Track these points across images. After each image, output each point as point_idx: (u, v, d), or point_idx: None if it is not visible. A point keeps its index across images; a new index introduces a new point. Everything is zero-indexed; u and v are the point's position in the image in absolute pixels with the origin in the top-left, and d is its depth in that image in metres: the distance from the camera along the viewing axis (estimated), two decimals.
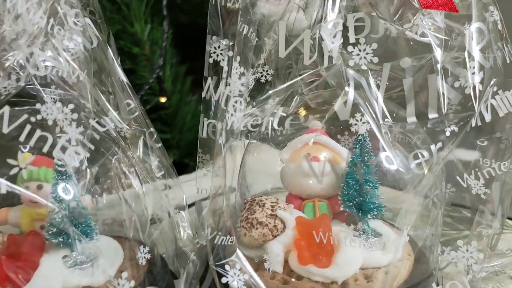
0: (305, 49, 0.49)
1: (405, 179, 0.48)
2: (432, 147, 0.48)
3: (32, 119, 0.45)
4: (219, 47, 0.54)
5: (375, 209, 0.58)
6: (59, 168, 0.52)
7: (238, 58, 0.50)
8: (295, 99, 0.54)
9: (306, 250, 0.56)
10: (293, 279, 0.55)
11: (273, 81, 0.54)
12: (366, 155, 0.57)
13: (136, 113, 0.54)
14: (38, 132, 0.45)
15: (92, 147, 0.48)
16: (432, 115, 0.48)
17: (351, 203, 0.58)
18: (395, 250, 0.58)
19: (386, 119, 0.49)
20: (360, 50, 0.49)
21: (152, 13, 1.28)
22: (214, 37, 0.54)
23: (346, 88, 0.49)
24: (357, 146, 0.58)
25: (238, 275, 0.51)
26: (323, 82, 0.52)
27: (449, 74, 0.49)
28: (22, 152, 0.49)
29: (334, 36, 0.48)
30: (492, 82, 0.51)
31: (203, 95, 0.57)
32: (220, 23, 0.53)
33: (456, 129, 0.48)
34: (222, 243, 0.52)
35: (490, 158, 0.55)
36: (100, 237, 0.55)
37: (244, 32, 0.50)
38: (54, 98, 0.47)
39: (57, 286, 0.52)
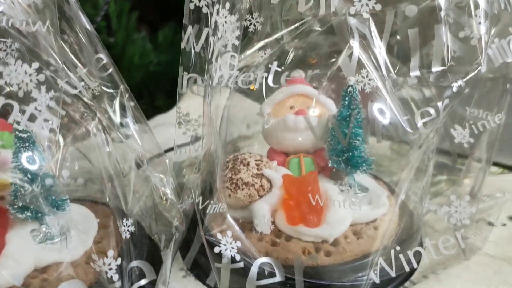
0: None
1: (411, 139, 0.45)
2: (439, 104, 0.45)
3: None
4: None
5: (364, 164, 0.55)
6: (21, 135, 0.45)
7: (227, 5, 0.44)
8: (290, 51, 0.49)
9: (296, 210, 0.54)
10: (282, 240, 0.53)
11: (263, 30, 0.48)
12: (355, 107, 0.54)
13: (110, 70, 0.47)
14: (1, 100, 0.38)
15: (63, 113, 0.41)
16: (436, 68, 0.46)
17: (339, 158, 0.56)
18: (382, 204, 0.56)
19: (390, 74, 0.46)
20: None
21: None
22: None
23: (351, 41, 0.44)
24: (346, 98, 0.54)
25: (231, 243, 0.48)
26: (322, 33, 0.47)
27: (453, 23, 0.45)
28: None
29: None
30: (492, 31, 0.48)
31: (182, 46, 0.50)
32: None
33: (463, 84, 0.45)
34: (215, 212, 0.48)
35: (477, 108, 0.53)
36: (74, 207, 0.50)
37: None
38: (11, 54, 0.39)
39: (28, 265, 0.46)
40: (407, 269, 0.51)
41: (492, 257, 0.57)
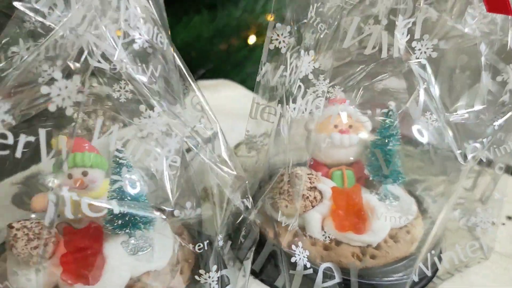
0: (370, 41, 0.51)
1: (461, 169, 0.54)
2: (485, 140, 0.54)
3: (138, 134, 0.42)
4: (282, 34, 0.53)
5: (399, 177, 0.64)
6: (120, 160, 0.51)
7: (302, 49, 0.50)
8: (360, 90, 0.56)
9: (345, 219, 0.62)
10: (333, 245, 0.61)
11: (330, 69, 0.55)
12: (394, 128, 0.62)
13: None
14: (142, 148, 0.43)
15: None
16: (478, 107, 0.54)
17: (377, 170, 0.64)
18: (411, 211, 0.66)
19: (446, 114, 0.54)
20: (422, 46, 0.52)
21: None
22: (278, 23, 0.52)
23: (418, 88, 0.52)
24: (387, 120, 0.63)
25: (302, 253, 0.56)
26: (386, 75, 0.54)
27: (492, 68, 0.54)
28: None
29: (403, 34, 0.50)
30: None
31: (258, 79, 0.56)
32: (286, 9, 0.52)
33: (502, 123, 0.54)
34: (290, 227, 0.56)
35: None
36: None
37: (313, 21, 0.50)
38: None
39: (127, 276, 0.52)
40: (440, 268, 0.60)
41: (500, 254, 0.67)
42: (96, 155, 0.54)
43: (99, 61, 0.43)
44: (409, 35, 0.51)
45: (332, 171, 0.66)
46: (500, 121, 0.53)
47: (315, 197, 0.62)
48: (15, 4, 0.42)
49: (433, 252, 0.60)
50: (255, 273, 0.60)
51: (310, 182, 0.63)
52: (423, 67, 0.52)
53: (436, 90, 0.53)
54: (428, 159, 0.58)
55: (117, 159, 0.51)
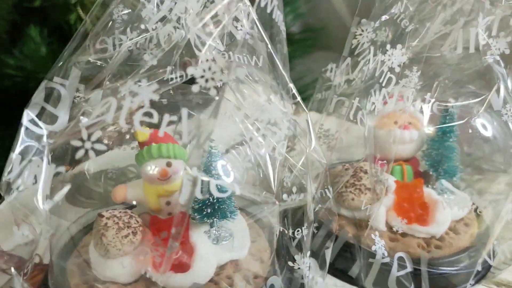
0: (449, 38, 0.53)
1: None
2: None
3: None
4: (366, 29, 0.55)
5: (457, 172, 0.67)
6: (213, 150, 0.51)
7: (398, 46, 0.52)
8: (436, 85, 0.58)
9: (411, 211, 0.64)
10: (398, 236, 0.63)
11: (410, 65, 0.57)
12: (454, 125, 0.65)
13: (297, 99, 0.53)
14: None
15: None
16: None
17: (437, 167, 0.67)
18: (466, 205, 0.68)
19: None
20: (497, 42, 0.54)
21: None
22: (364, 20, 0.54)
23: (499, 83, 0.55)
24: (447, 117, 0.65)
25: (380, 242, 0.57)
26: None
27: None
28: None
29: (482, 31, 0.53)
30: None
31: (336, 73, 0.58)
32: (371, 6, 0.54)
33: None
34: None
35: None
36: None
37: (396, 18, 0.52)
38: None
39: (214, 264, 0.53)
40: (502, 259, 0.63)
41: None
42: (179, 146, 0.55)
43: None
44: (487, 31, 0.53)
45: (392, 166, 0.68)
46: None
47: (381, 190, 0.64)
48: None
49: (495, 242, 0.62)
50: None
51: (375, 176, 0.64)
52: (497, 62, 0.55)
53: (509, 85, 0.55)
54: (490, 153, 0.60)
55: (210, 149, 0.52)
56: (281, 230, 0.52)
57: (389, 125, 0.68)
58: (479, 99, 0.56)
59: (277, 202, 0.48)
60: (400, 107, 0.68)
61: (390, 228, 0.64)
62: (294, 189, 0.48)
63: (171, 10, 0.44)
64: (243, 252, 0.56)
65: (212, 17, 0.45)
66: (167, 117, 0.39)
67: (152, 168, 0.54)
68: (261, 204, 0.50)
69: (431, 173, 0.67)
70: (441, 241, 0.63)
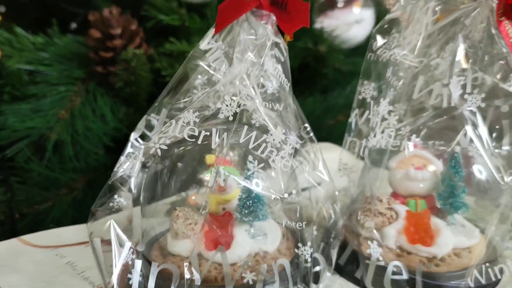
0: (432, 94, 0.71)
1: (501, 189, 0.70)
2: None
3: (267, 139, 0.67)
4: (368, 88, 0.76)
5: (463, 207, 0.80)
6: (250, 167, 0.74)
7: (388, 99, 0.72)
8: (424, 130, 0.76)
9: (415, 234, 0.79)
10: (404, 253, 0.78)
11: (405, 114, 0.76)
12: (459, 167, 0.80)
13: (311, 134, 0.75)
14: (269, 147, 0.67)
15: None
16: None
17: (445, 202, 0.81)
18: (474, 237, 0.80)
19: (489, 147, 0.71)
20: (472, 98, 0.71)
21: None
22: (365, 81, 0.76)
23: (466, 127, 0.71)
24: (453, 160, 0.80)
25: (376, 248, 0.74)
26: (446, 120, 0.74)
27: None
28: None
29: (456, 87, 0.70)
30: None
31: (349, 120, 0.79)
32: (371, 71, 0.75)
33: None
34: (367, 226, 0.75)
35: None
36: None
37: (391, 80, 0.72)
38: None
39: (248, 250, 0.74)
40: (493, 279, 0.74)
41: None
42: (233, 168, 0.78)
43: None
44: (461, 90, 0.70)
45: (408, 200, 0.84)
46: None
47: (391, 215, 0.81)
48: (199, 63, 0.70)
49: (487, 264, 0.74)
50: (339, 268, 0.79)
51: (388, 204, 0.81)
52: (473, 113, 0.71)
53: (483, 131, 0.71)
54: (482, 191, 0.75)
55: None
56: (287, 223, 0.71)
57: (406, 166, 0.85)
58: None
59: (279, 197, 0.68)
60: (417, 153, 0.85)
61: (399, 247, 0.79)
62: (294, 191, 0.69)
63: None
64: (272, 247, 0.76)
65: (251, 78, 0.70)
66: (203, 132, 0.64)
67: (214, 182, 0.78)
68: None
69: (441, 207, 0.81)
70: (442, 261, 0.77)
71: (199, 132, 0.66)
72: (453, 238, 0.79)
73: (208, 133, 0.66)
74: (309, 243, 0.71)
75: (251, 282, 0.69)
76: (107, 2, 1.41)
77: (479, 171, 0.76)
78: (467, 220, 0.84)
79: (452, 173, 0.80)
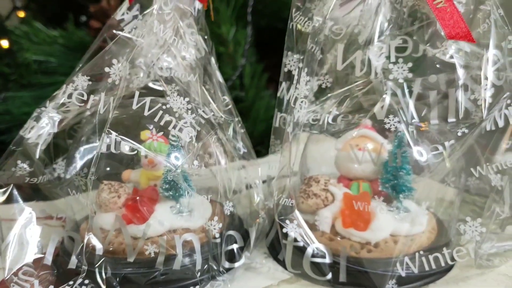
0: (357, 64, 0.66)
1: (423, 165, 0.64)
2: (446, 143, 0.63)
3: (163, 107, 0.66)
4: (292, 60, 0.72)
5: (406, 191, 0.74)
6: (173, 143, 0.73)
7: (306, 69, 0.68)
8: (347, 101, 0.71)
9: (348, 217, 0.73)
10: (337, 238, 0.73)
11: (332, 86, 0.71)
12: (403, 148, 0.73)
13: (229, 106, 0.73)
14: (166, 116, 0.65)
15: (199, 129, 0.68)
16: (451, 119, 0.64)
17: (388, 185, 0.75)
18: (419, 224, 0.74)
19: (413, 120, 0.65)
20: (398, 68, 0.65)
21: (237, 17, 1.48)
22: (289, 52, 0.72)
23: (384, 96, 0.65)
24: (396, 140, 0.74)
25: (295, 228, 0.69)
26: (371, 89, 0.69)
27: (468, 89, 0.64)
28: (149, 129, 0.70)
29: (379, 56, 0.64)
30: (505, 95, 0.65)
31: (278, 95, 0.75)
32: (294, 42, 0.71)
33: (466, 131, 0.63)
34: (285, 204, 0.71)
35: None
36: (196, 195, 0.75)
37: (312, 49, 0.68)
38: (175, 92, 0.67)
39: (166, 226, 0.72)
40: (426, 268, 0.67)
41: (509, 277, 0.70)
42: (162, 144, 0.77)
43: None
44: (385, 59, 0.65)
45: (351, 183, 0.79)
46: (464, 129, 0.62)
47: (326, 197, 0.76)
48: (115, 32, 0.70)
49: (421, 252, 0.68)
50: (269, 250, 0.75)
51: (324, 185, 0.76)
52: (398, 84, 0.65)
53: (410, 102, 0.65)
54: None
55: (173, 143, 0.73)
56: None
57: (349, 148, 0.79)
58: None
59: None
60: (366, 133, 0.80)
61: (334, 231, 0.74)
62: (196, 163, 0.67)
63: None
64: (195, 224, 0.74)
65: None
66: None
67: (145, 157, 0.78)
68: None
69: (383, 191, 0.75)
70: (375, 247, 0.71)
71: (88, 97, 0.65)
72: (392, 223, 0.73)
73: (97, 98, 0.65)
74: (216, 218, 0.68)
75: (152, 255, 0.67)
76: None
77: (419, 153, 0.70)
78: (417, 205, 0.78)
79: (393, 155, 0.74)
